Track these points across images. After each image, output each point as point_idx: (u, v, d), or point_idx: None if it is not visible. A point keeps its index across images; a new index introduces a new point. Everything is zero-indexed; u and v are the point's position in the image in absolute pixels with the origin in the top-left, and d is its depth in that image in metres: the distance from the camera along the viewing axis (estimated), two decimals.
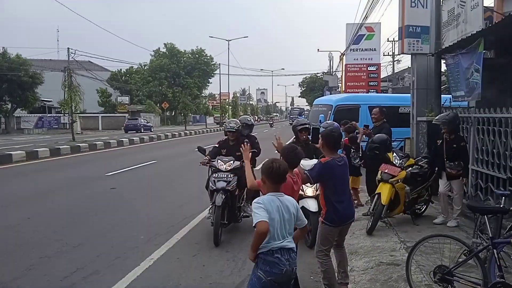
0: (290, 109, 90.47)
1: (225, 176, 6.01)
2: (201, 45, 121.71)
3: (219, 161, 6.22)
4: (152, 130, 40.23)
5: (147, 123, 42.66)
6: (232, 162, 6.16)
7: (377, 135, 6.91)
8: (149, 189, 10.32)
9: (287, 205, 2.94)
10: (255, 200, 2.90)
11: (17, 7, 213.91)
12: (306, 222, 3.13)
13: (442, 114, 6.69)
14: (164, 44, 65.95)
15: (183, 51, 65.96)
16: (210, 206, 6.18)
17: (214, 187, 5.94)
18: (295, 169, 3.72)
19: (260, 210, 2.82)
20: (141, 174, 12.78)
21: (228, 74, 58.01)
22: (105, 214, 7.71)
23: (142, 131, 38.81)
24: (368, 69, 27.44)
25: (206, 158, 6.38)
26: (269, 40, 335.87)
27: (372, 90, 26.84)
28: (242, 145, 4.09)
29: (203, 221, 6.85)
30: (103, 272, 4.92)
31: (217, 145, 6.63)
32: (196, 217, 7.23)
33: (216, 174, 6.09)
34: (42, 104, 46.09)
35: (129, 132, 38.20)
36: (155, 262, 5.20)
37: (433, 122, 6.96)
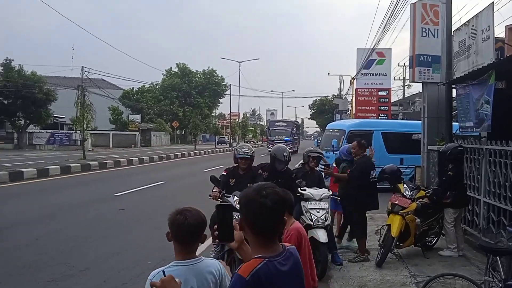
0: (268, 124, 53.91)
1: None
2: (213, 65, 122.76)
3: (235, 197, 4.92)
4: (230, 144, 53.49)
5: (228, 139, 58.96)
6: None
7: (387, 165, 6.87)
8: (157, 211, 10.30)
9: (204, 276, 2.08)
10: (149, 277, 2.03)
11: (33, 25, 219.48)
12: None
13: (449, 144, 6.91)
14: (176, 64, 67.04)
15: (194, 71, 66.88)
16: (215, 249, 5.38)
17: None
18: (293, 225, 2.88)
19: None
20: (150, 195, 12.81)
21: (239, 95, 57.87)
22: (112, 237, 7.72)
23: (227, 144, 55.79)
24: (379, 93, 27.51)
25: (215, 190, 5.36)
26: (280, 62, 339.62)
27: (382, 115, 26.85)
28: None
29: (210, 247, 6.80)
30: None
31: (225, 173, 5.60)
32: (205, 241, 7.16)
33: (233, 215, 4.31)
34: (54, 120, 46.74)
35: (219, 144, 55.51)
36: None
37: (440, 150, 7.09)
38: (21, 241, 7.18)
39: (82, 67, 30.78)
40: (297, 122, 54.06)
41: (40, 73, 41.36)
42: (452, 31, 8.88)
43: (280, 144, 6.26)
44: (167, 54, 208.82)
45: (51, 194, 12.73)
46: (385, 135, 14.03)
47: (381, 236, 6.10)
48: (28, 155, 30.12)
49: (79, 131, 26.66)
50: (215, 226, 1.87)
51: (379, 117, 26.15)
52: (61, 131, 46.23)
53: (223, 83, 67.57)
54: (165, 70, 66.63)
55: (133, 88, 60.06)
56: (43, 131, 44.40)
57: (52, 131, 45.00)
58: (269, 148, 34.65)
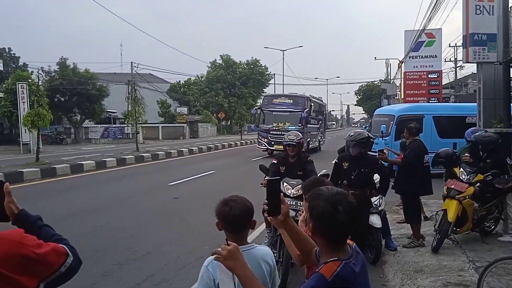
0: (261, 103, 26.32)
1: (293, 203, 5.00)
2: (256, 55, 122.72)
3: (285, 184, 5.24)
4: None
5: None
6: (301, 186, 4.75)
7: (442, 149, 6.70)
8: (210, 199, 10.52)
9: (258, 263, 2.10)
10: (205, 263, 2.15)
11: (84, 25, 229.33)
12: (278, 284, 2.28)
13: (480, 133, 6.85)
14: (220, 55, 67.57)
15: (238, 62, 67.21)
16: (268, 235, 5.68)
17: None
18: None
19: (203, 281, 2.06)
20: (202, 184, 13.21)
21: (283, 84, 57.51)
22: (170, 224, 8.09)
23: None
24: (429, 76, 26.45)
25: (267, 178, 5.09)
26: (324, 49, 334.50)
27: (433, 99, 25.86)
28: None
29: (264, 232, 6.96)
30: (171, 280, 5.20)
31: (275, 161, 5.70)
32: (258, 227, 7.33)
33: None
34: (107, 115, 48.84)
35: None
36: None
37: (473, 138, 6.83)
38: (87, 228, 7.69)
39: (132, 62, 32.05)
40: (318, 98, 31.00)
41: (92, 70, 43.32)
42: (509, 6, 8.45)
43: (358, 130, 5.62)
44: (211, 46, 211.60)
45: (110, 185, 13.45)
46: (436, 119, 13.58)
47: (436, 222, 6.00)
48: (85, 148, 31.74)
49: (130, 125, 27.69)
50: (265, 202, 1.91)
51: (430, 101, 25.24)
52: (113, 125, 48.25)
53: (267, 73, 67.53)
54: (210, 62, 67.46)
55: (179, 81, 61.41)
56: (97, 125, 46.56)
57: (106, 125, 47.06)
58: (259, 147, 22.81)
